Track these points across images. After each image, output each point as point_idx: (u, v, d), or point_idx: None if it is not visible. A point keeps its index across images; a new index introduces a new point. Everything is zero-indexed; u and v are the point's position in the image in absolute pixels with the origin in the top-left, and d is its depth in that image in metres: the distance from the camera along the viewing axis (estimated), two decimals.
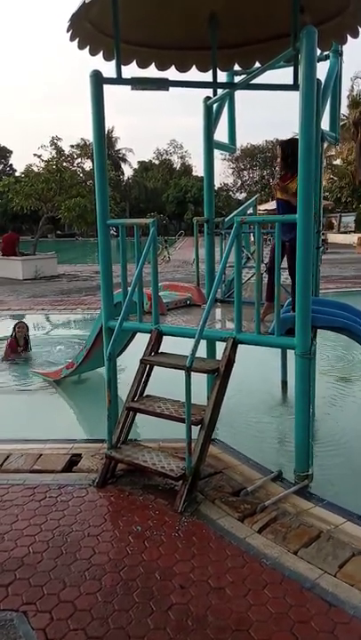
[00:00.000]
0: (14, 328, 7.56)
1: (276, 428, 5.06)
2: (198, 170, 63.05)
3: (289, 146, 4.03)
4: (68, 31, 3.84)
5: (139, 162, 66.37)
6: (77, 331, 9.60)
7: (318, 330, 3.90)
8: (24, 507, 3.33)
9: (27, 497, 3.45)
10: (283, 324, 3.64)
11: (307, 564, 2.73)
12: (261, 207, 25.58)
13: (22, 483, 3.65)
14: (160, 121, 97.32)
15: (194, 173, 63.48)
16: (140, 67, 4.54)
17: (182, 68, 4.69)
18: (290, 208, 3.88)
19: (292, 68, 4.24)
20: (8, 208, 34.66)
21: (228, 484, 3.55)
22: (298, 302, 3.44)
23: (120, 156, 58.59)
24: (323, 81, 4.36)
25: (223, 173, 65.50)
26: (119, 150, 58.56)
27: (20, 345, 7.49)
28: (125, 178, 60.42)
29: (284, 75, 4.42)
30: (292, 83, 4.24)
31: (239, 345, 3.73)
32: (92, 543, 2.93)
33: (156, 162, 68.79)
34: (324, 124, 4.62)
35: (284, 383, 5.93)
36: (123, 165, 59.44)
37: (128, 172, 61.87)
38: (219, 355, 3.94)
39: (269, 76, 4.43)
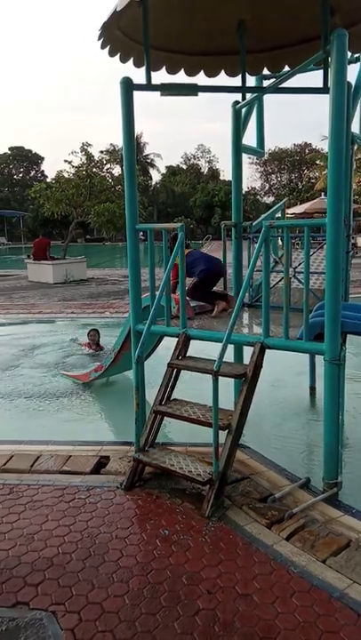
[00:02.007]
0: (88, 335, 8.09)
1: (303, 435, 5.00)
2: (226, 174, 63.14)
3: None
4: (99, 39, 3.91)
5: (166, 166, 66.76)
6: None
7: (348, 335, 3.85)
8: (53, 507, 3.38)
9: (56, 498, 3.50)
10: (312, 329, 3.60)
11: (335, 573, 2.68)
12: (290, 211, 25.40)
13: (52, 484, 3.70)
14: (188, 126, 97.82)
15: (221, 177, 63.52)
16: (169, 72, 4.59)
17: (211, 73, 4.72)
18: None
19: (321, 71, 4.22)
20: (39, 213, 35.44)
21: (256, 489, 3.53)
22: (327, 307, 3.40)
23: (148, 161, 59.01)
24: (353, 84, 4.31)
25: (251, 177, 65.35)
26: (147, 155, 59.00)
27: (92, 348, 8.04)
28: (153, 182, 60.80)
29: (312, 77, 4.40)
30: (321, 85, 4.21)
31: (267, 350, 3.71)
32: (120, 545, 2.95)
33: (184, 166, 69.08)
34: (355, 127, 4.57)
35: (313, 389, 5.86)
36: (151, 170, 59.85)
37: (156, 176, 62.28)
38: (246, 359, 3.93)
39: (298, 80, 4.41)
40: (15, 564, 2.81)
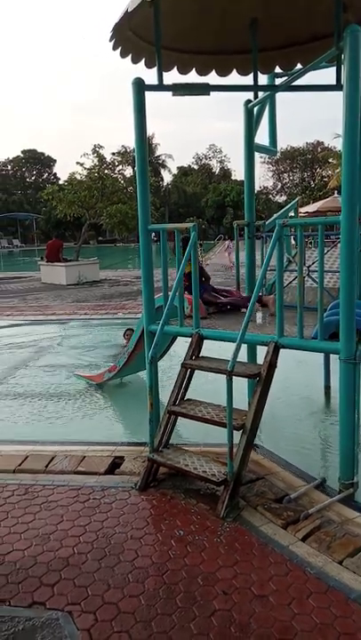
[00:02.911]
0: (124, 335, 7.87)
1: (319, 435, 4.96)
2: (237, 174, 62.99)
3: None
4: (110, 40, 3.92)
5: (178, 167, 66.84)
6: None
7: None
8: (69, 507, 3.39)
9: (71, 498, 3.52)
10: (326, 329, 3.57)
11: (352, 575, 2.66)
12: (302, 210, 25.26)
13: (67, 484, 3.72)
14: (199, 126, 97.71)
15: (233, 177, 63.39)
16: (180, 73, 4.59)
17: (223, 72, 4.70)
18: None
19: (334, 68, 4.18)
20: (52, 215, 35.70)
21: (271, 490, 3.51)
22: (342, 306, 3.37)
23: (160, 162, 59.09)
24: None
25: (263, 176, 65.09)
26: (159, 156, 59.09)
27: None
28: (165, 183, 60.88)
29: (325, 75, 4.36)
30: (334, 83, 4.17)
31: (281, 349, 3.69)
32: (135, 546, 2.95)
33: (196, 167, 69.08)
34: None
35: (328, 388, 5.81)
36: (162, 171, 59.93)
37: (167, 177, 62.36)
38: (260, 359, 3.91)
39: (311, 77, 4.39)
40: (31, 564, 2.83)
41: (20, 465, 4.03)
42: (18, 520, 3.27)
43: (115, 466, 3.97)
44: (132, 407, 5.88)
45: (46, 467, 3.99)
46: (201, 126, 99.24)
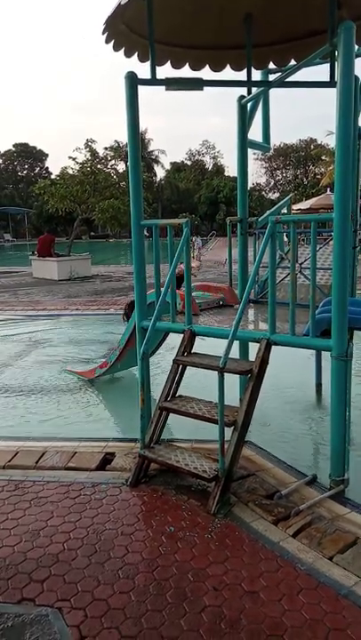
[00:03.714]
0: (123, 316, 7.86)
1: (310, 432, 4.97)
2: (230, 170, 62.97)
3: None
4: (103, 33, 3.88)
5: (171, 163, 66.73)
6: None
7: (355, 331, 3.82)
8: (59, 504, 3.38)
9: (61, 494, 3.50)
10: (318, 325, 3.58)
11: (342, 571, 2.67)
12: (295, 207, 25.30)
13: (57, 480, 3.70)
14: (193, 122, 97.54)
15: (226, 174, 63.33)
16: (174, 67, 4.55)
17: (216, 67, 4.68)
18: None
19: (327, 65, 4.17)
20: (44, 210, 35.51)
21: (262, 486, 3.51)
22: (334, 303, 3.37)
23: (153, 157, 58.94)
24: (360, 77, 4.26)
25: (256, 173, 65.21)
26: (152, 152, 58.94)
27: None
28: (158, 179, 60.72)
29: (319, 71, 4.36)
30: (328, 79, 4.16)
31: (273, 346, 3.69)
32: (126, 542, 2.95)
33: (189, 162, 68.95)
34: None
35: (319, 386, 5.83)
36: (155, 167, 59.78)
37: (160, 173, 62.19)
38: (252, 356, 3.91)
39: (304, 74, 4.38)
40: (21, 560, 2.81)
41: (9, 461, 4.00)
42: (7, 516, 3.25)
43: (106, 462, 3.96)
44: (124, 403, 5.87)
45: (37, 462, 3.97)
46: (194, 122, 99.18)
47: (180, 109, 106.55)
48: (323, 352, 4.91)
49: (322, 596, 2.50)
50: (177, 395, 3.95)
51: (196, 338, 4.09)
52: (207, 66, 4.66)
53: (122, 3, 3.44)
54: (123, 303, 11.80)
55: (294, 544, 2.90)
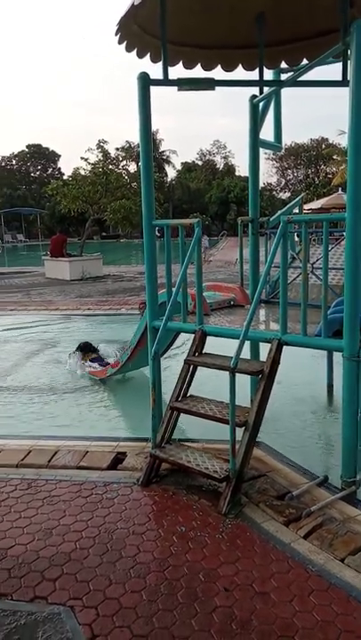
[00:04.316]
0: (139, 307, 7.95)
1: (321, 432, 4.95)
2: (241, 170, 62.82)
3: None
4: (116, 34, 3.90)
5: (182, 163, 66.68)
6: None
7: None
8: (71, 502, 3.40)
9: (73, 493, 3.53)
10: (330, 326, 3.56)
11: (354, 572, 2.65)
12: (306, 206, 25.18)
13: (69, 479, 3.73)
14: (204, 122, 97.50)
15: (237, 173, 63.18)
16: (186, 67, 4.56)
17: (228, 67, 4.67)
18: None
19: (340, 64, 4.15)
20: (56, 210, 35.72)
21: (273, 487, 3.51)
22: (346, 303, 3.35)
23: (164, 157, 58.94)
24: None
25: (267, 173, 64.88)
26: (163, 152, 58.94)
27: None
28: (169, 179, 60.74)
29: (331, 70, 4.34)
30: (340, 78, 4.14)
31: (284, 347, 3.68)
32: (137, 541, 2.96)
33: (200, 162, 68.89)
34: None
35: (330, 386, 5.80)
36: (166, 167, 59.79)
37: (171, 173, 62.20)
38: (263, 356, 3.90)
39: (317, 73, 4.36)
40: (33, 558, 2.84)
41: (22, 459, 4.04)
42: (20, 514, 3.28)
43: (117, 461, 3.98)
44: (135, 403, 5.89)
45: (49, 461, 4.00)
46: (205, 122, 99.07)
47: (191, 109, 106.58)
48: (334, 352, 4.89)
49: (333, 597, 2.49)
50: (188, 395, 3.96)
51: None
52: (219, 66, 4.66)
53: (135, 3, 3.45)
54: (134, 303, 11.83)
55: (305, 545, 2.89)
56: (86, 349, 7.03)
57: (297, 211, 5.81)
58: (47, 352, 8.15)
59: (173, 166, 62.00)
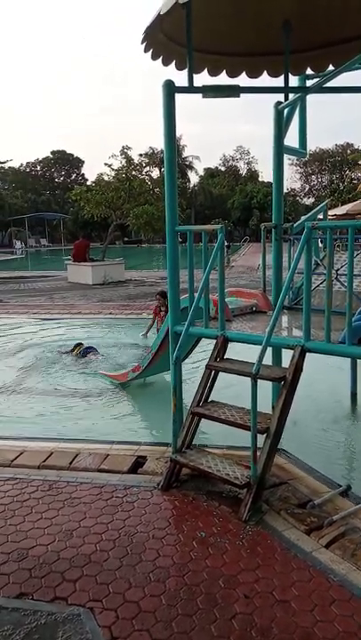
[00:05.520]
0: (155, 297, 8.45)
1: (344, 441, 4.89)
2: (265, 175, 62.66)
3: None
4: (142, 43, 3.94)
5: (205, 169, 66.84)
6: None
7: None
8: (91, 505, 3.43)
9: (94, 495, 3.55)
10: (354, 333, 3.52)
11: None
12: (331, 212, 24.94)
13: (90, 481, 3.75)
14: (227, 128, 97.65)
15: (260, 179, 63.04)
16: (211, 75, 4.58)
17: (253, 73, 4.68)
18: None
19: None
20: (79, 216, 36.12)
21: (294, 495, 3.47)
22: None
23: (187, 163, 59.17)
24: None
25: (290, 178, 64.66)
26: (186, 158, 59.17)
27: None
28: (191, 185, 60.94)
29: (356, 76, 4.31)
30: None
31: (307, 353, 3.64)
32: (157, 546, 2.96)
33: (222, 168, 68.97)
34: None
35: (354, 395, 5.72)
36: (189, 173, 59.98)
37: (194, 178, 62.40)
38: (285, 363, 3.87)
39: (343, 79, 4.33)
40: (54, 559, 2.86)
41: (44, 461, 4.08)
42: (42, 515, 3.32)
43: (137, 465, 3.99)
44: (156, 407, 5.90)
45: (70, 463, 4.04)
46: (228, 128, 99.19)
47: (214, 115, 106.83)
48: (359, 360, 4.82)
49: (355, 608, 2.45)
50: (209, 400, 3.95)
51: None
52: (244, 72, 4.67)
53: (161, 12, 3.49)
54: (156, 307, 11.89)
55: (327, 554, 2.86)
56: (75, 346, 8.26)
57: (321, 217, 5.77)
58: (69, 356, 8.21)
59: (196, 172, 62.26)
